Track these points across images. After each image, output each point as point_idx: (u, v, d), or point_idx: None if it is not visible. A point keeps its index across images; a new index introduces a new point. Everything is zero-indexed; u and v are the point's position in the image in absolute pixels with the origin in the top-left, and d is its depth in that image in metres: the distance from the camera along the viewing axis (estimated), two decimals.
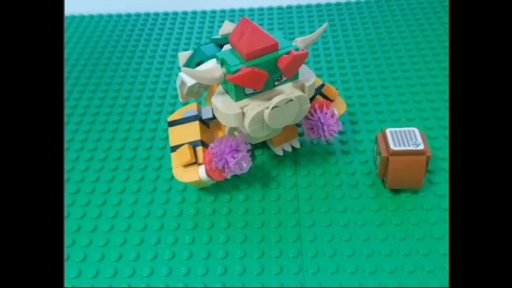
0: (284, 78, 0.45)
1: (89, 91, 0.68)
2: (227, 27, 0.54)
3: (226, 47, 0.48)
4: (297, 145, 0.55)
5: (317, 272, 0.43)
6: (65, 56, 0.76)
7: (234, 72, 0.41)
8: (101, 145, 0.58)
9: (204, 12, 0.85)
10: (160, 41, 0.78)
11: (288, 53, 0.43)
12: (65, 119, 0.63)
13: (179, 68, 0.71)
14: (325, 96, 0.53)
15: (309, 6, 0.85)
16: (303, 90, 0.46)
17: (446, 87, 0.63)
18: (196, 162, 0.47)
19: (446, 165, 0.51)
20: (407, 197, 0.48)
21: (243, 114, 0.44)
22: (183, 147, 0.47)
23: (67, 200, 0.51)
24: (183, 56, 0.54)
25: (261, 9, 0.85)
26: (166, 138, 0.58)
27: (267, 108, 0.43)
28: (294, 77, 0.45)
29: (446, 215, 0.46)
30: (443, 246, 0.44)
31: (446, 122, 0.57)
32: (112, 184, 0.53)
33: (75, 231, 0.48)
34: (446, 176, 0.50)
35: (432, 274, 0.42)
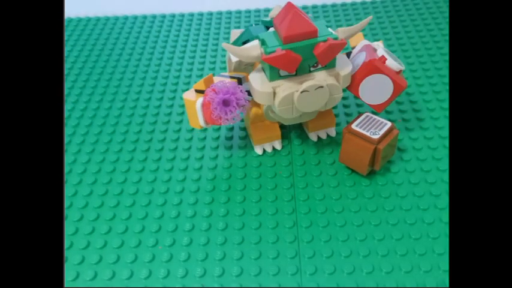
0: (320, 65, 0.45)
1: (90, 87, 0.69)
2: (277, 11, 0.55)
3: (272, 29, 0.49)
4: (333, 134, 0.56)
5: (315, 272, 0.43)
6: (66, 53, 0.77)
7: (270, 53, 0.42)
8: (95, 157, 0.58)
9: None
10: (159, 38, 0.79)
11: (325, 40, 0.43)
12: (66, 113, 0.64)
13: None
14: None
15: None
16: (337, 79, 0.46)
17: (446, 96, 0.63)
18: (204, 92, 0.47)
19: (441, 165, 0.51)
20: (404, 197, 0.49)
21: (274, 93, 0.45)
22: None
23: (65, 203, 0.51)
24: (235, 33, 0.55)
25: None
26: (165, 139, 0.58)
27: (297, 91, 0.44)
28: (330, 65, 0.46)
29: (442, 215, 0.47)
30: (439, 246, 0.44)
31: (441, 122, 0.57)
32: (109, 186, 0.53)
33: (72, 233, 0.48)
34: (441, 176, 0.50)
35: (429, 274, 0.42)
